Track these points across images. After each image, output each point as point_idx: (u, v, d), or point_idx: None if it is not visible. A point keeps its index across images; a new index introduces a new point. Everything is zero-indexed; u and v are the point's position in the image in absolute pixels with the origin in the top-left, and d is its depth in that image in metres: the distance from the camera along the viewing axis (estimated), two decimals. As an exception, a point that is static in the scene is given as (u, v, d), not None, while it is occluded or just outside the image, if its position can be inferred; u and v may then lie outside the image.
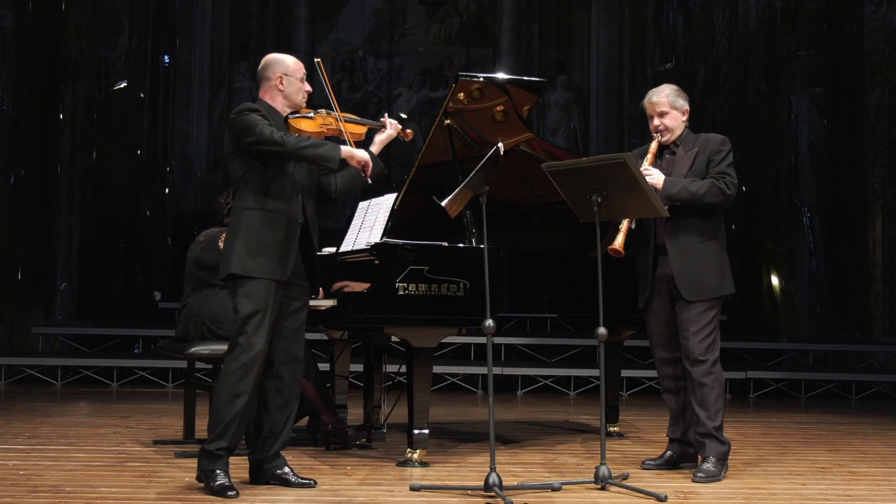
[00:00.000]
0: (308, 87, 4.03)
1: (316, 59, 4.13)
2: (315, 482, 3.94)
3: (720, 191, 4.22)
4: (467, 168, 4.10)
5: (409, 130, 4.33)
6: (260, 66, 4.01)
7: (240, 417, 3.78)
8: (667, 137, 4.39)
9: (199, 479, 3.83)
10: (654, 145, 4.40)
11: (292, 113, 3.99)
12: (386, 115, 4.31)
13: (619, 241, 4.16)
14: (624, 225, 4.22)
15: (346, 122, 4.10)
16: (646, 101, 4.44)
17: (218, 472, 3.76)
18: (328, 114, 4.07)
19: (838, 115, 9.64)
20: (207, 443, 3.79)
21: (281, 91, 3.95)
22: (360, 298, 4.34)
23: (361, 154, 3.94)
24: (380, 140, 4.22)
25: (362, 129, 4.17)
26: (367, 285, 4.38)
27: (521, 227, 5.46)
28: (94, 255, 9.47)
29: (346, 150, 3.89)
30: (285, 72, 3.95)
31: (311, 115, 4.03)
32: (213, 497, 3.72)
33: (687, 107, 4.41)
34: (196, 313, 4.77)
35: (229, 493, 3.71)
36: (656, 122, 4.38)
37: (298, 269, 3.93)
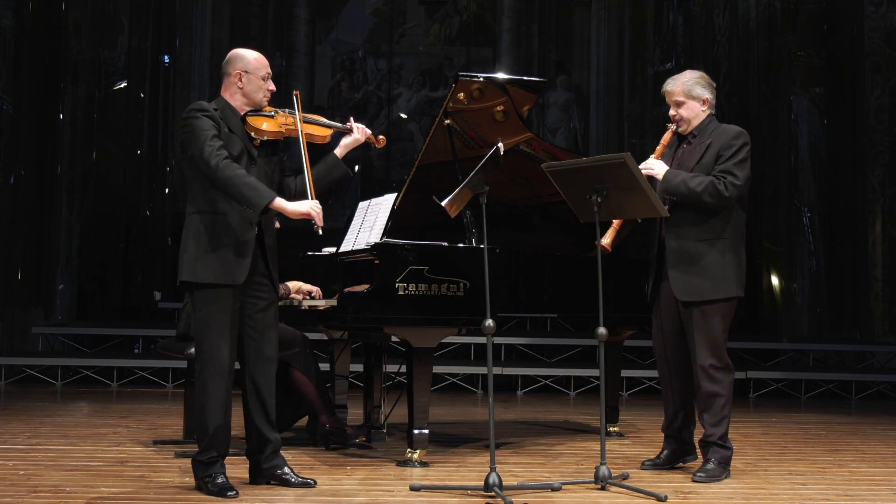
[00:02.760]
0: (272, 86, 3.91)
1: (294, 93, 3.99)
2: (315, 482, 3.93)
3: (717, 192, 4.08)
4: (467, 168, 4.10)
5: (381, 137, 4.22)
6: (224, 62, 3.91)
7: (220, 424, 3.76)
8: (683, 128, 4.27)
9: (198, 487, 3.82)
10: (667, 135, 4.30)
11: (252, 111, 3.88)
12: (352, 119, 4.19)
13: (607, 238, 4.15)
14: (616, 221, 4.20)
15: (309, 123, 3.98)
16: (663, 88, 4.33)
17: (214, 474, 3.76)
18: (290, 114, 3.94)
19: (838, 115, 9.64)
20: (197, 454, 3.79)
21: (240, 89, 3.86)
22: (360, 298, 4.34)
23: (297, 208, 3.76)
24: (345, 144, 4.10)
25: (326, 132, 4.04)
26: (366, 286, 4.38)
27: (521, 227, 5.46)
28: (94, 255, 9.47)
29: (280, 203, 3.71)
30: (245, 69, 3.85)
31: (272, 114, 3.91)
32: (212, 498, 3.72)
33: (708, 96, 4.26)
34: (198, 310, 4.76)
35: (229, 492, 3.71)
36: (672, 111, 4.28)
37: (259, 268, 3.84)
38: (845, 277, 9.43)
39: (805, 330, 9.70)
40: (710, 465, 4.21)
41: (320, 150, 4.09)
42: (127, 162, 9.82)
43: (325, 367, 5.21)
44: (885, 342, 8.95)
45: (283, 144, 4.05)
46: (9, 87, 8.51)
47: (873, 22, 9.30)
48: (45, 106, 8.99)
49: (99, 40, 9.64)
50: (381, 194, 4.90)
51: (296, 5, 11.31)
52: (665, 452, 4.46)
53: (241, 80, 3.86)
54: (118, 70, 9.88)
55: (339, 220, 5.62)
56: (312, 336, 5.71)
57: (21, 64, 8.61)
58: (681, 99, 4.26)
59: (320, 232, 3.80)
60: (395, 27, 11.64)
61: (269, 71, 3.93)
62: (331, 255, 5.02)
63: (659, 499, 3.79)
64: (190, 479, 3.96)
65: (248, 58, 3.89)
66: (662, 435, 4.50)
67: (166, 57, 10.47)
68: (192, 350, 4.67)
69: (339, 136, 4.15)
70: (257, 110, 3.90)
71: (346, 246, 4.93)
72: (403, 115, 11.24)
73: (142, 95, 10.04)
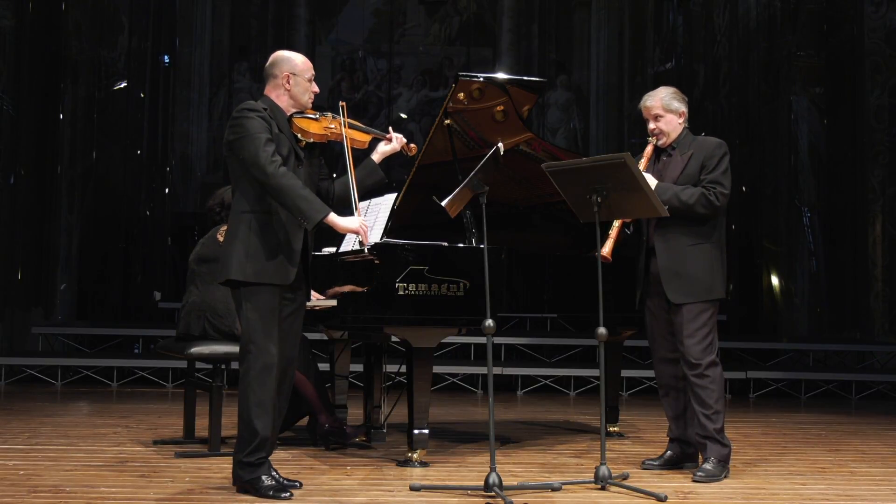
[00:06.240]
0: (315, 88, 3.96)
1: (341, 103, 4.05)
2: (301, 483, 3.91)
3: (709, 202, 4.21)
4: (467, 168, 4.10)
5: (412, 145, 4.30)
6: (268, 63, 3.93)
7: (269, 424, 3.74)
8: (663, 141, 4.40)
9: (243, 490, 3.76)
10: (648, 149, 4.42)
11: (297, 112, 3.92)
12: (391, 128, 4.29)
13: (607, 248, 4.16)
14: (613, 231, 4.23)
15: (351, 129, 4.04)
16: (641, 104, 4.46)
17: (263, 477, 3.73)
18: (334, 118, 3.99)
19: (838, 115, 9.64)
20: (244, 455, 3.73)
21: (287, 90, 3.88)
22: (360, 298, 4.34)
23: (347, 224, 3.84)
24: (382, 151, 4.20)
25: (367, 138, 4.12)
26: (366, 286, 4.38)
27: (521, 227, 5.46)
28: (94, 255, 9.47)
29: (332, 218, 3.77)
30: (293, 71, 3.88)
31: (316, 116, 3.96)
32: (211, 497, 3.71)
33: (684, 109, 4.40)
34: (198, 308, 4.77)
35: (283, 494, 3.70)
36: (651, 125, 4.41)
37: (298, 272, 3.85)
38: (845, 277, 9.43)
39: (805, 330, 9.70)
40: (710, 465, 4.22)
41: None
42: (127, 162, 9.81)
43: (325, 367, 5.22)
44: (885, 342, 8.95)
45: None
46: (9, 87, 8.51)
47: (873, 22, 9.30)
48: (45, 106, 8.99)
49: (99, 40, 9.64)
50: (381, 194, 4.90)
51: (296, 5, 11.30)
52: (668, 454, 4.48)
53: (288, 82, 3.88)
54: (118, 70, 9.87)
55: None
56: (312, 336, 5.72)
57: (21, 64, 8.61)
58: (659, 112, 4.38)
59: (366, 250, 4.03)
60: (396, 27, 11.65)
61: (314, 73, 3.96)
62: (331, 255, 5.02)
63: (659, 499, 3.79)
64: (190, 479, 3.97)
65: (296, 60, 3.92)
66: (662, 434, 4.52)
67: (166, 57, 10.46)
68: (192, 350, 4.68)
69: (376, 141, 4.23)
70: (302, 112, 3.94)
71: (346, 246, 4.93)
72: (403, 115, 11.24)
73: (142, 95, 10.03)
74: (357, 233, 3.87)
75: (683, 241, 4.26)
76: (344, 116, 4.01)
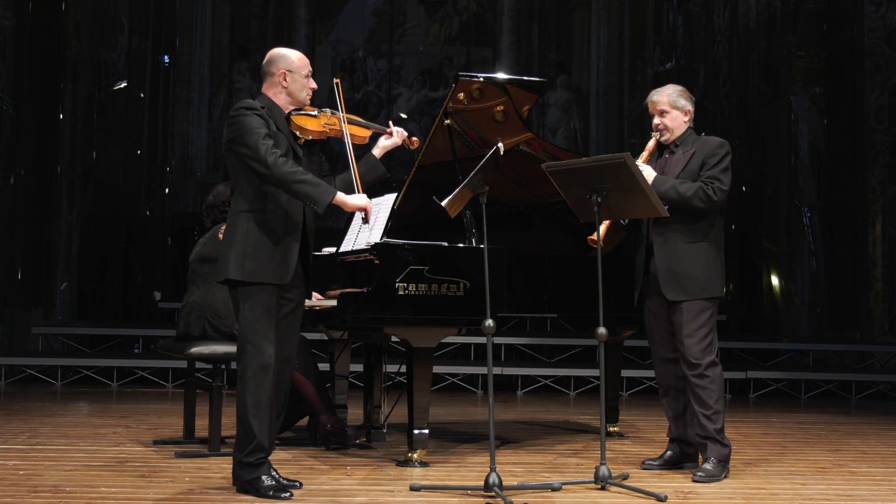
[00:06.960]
0: (313, 84, 3.95)
1: (335, 80, 4.07)
2: (301, 483, 3.90)
3: (707, 196, 4.21)
4: (467, 168, 4.10)
5: (414, 138, 4.31)
6: (264, 61, 3.92)
7: (268, 422, 3.74)
8: (666, 137, 4.41)
9: (243, 490, 3.76)
10: (651, 143, 4.45)
11: (296, 110, 3.92)
12: (391, 122, 4.30)
13: (600, 232, 4.18)
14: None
15: (350, 124, 4.04)
16: (648, 99, 4.49)
17: (263, 477, 3.73)
18: (332, 114, 3.99)
19: (838, 115, 9.65)
20: (243, 455, 3.72)
21: (284, 88, 3.88)
22: (360, 298, 4.34)
23: (356, 201, 3.86)
24: (383, 145, 4.22)
25: (366, 133, 4.12)
26: (366, 286, 4.38)
27: (521, 227, 5.46)
28: (94, 255, 9.47)
29: (341, 197, 3.79)
30: (289, 68, 3.88)
31: (315, 113, 3.96)
32: (211, 497, 3.71)
33: (690, 108, 4.42)
34: (198, 308, 4.77)
35: (283, 494, 3.70)
36: (656, 120, 4.43)
37: (297, 271, 3.85)
38: (845, 277, 9.43)
39: (805, 330, 9.71)
40: (710, 465, 4.22)
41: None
42: (127, 162, 9.81)
43: (325, 367, 5.22)
44: (885, 342, 8.95)
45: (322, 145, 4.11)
46: (9, 87, 8.51)
47: (873, 22, 9.30)
48: (45, 106, 8.99)
49: (99, 40, 9.64)
50: (381, 194, 4.90)
51: (296, 5, 11.31)
52: (668, 454, 4.48)
53: (285, 80, 3.88)
54: (118, 70, 9.87)
55: (339, 220, 5.63)
56: (312, 336, 5.72)
57: (21, 64, 8.61)
58: (665, 108, 4.40)
59: (369, 223, 4.05)
60: (396, 27, 11.65)
61: (311, 69, 3.96)
62: (331, 255, 5.02)
63: (659, 499, 3.79)
64: (190, 479, 3.96)
65: (292, 57, 3.92)
66: (662, 434, 4.51)
67: (166, 57, 10.46)
68: (192, 350, 4.68)
69: (376, 136, 4.24)
70: (300, 109, 3.93)
71: (346, 246, 4.93)
72: (403, 115, 11.24)
73: (142, 95, 10.03)
74: (365, 209, 3.88)
75: (680, 239, 4.27)
76: (340, 99, 4.00)
